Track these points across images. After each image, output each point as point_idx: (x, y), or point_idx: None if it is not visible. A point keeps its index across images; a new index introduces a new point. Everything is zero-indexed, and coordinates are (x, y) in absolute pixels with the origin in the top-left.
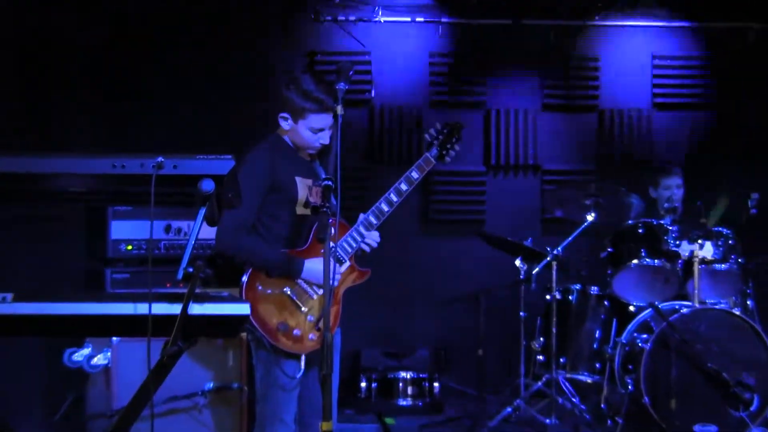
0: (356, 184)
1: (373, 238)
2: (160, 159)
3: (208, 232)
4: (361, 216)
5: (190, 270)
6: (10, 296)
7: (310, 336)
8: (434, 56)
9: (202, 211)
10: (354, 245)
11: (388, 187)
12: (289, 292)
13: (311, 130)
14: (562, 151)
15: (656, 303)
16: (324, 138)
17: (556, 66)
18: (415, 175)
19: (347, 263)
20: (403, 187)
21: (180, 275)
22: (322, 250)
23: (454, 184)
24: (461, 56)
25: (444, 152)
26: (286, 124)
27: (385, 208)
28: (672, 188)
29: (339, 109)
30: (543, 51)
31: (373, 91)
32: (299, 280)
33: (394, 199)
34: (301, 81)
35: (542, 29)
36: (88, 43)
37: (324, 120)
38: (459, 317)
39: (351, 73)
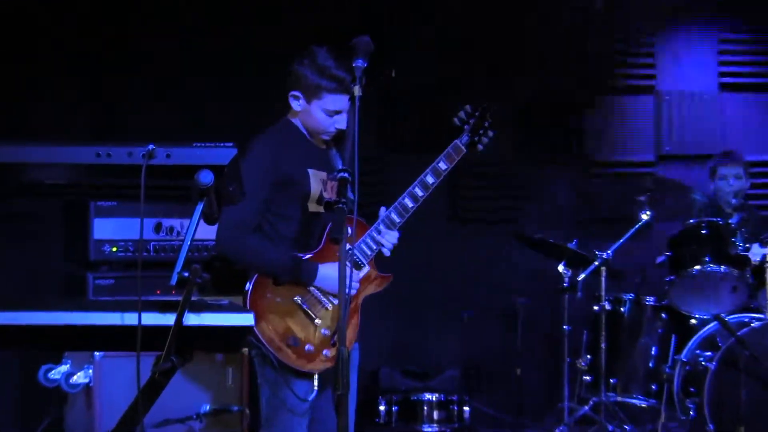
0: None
1: (390, 238)
2: (151, 147)
3: (206, 232)
4: (382, 213)
5: (186, 274)
6: None
7: (325, 352)
8: None
9: (200, 207)
10: (374, 247)
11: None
12: (300, 302)
13: (326, 112)
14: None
15: (722, 315)
16: (341, 122)
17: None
18: (443, 165)
19: (366, 268)
20: (430, 179)
21: (174, 280)
22: (338, 253)
23: (486, 177)
24: None
25: (476, 139)
26: (297, 105)
27: (409, 203)
28: (729, 178)
29: (356, 89)
30: None
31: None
32: (311, 288)
33: (420, 193)
34: (318, 55)
35: None
36: (73, 18)
37: (341, 101)
38: (493, 331)
39: (369, 49)
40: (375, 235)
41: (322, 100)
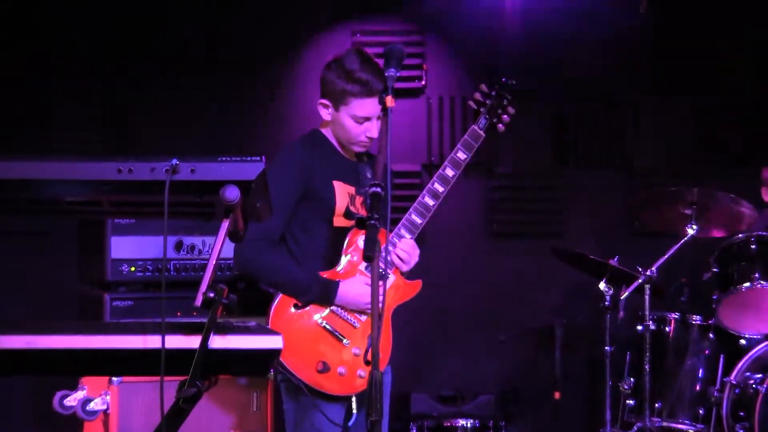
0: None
1: (404, 248)
2: (174, 162)
3: (230, 251)
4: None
5: (211, 295)
6: None
7: (359, 372)
8: None
9: (225, 225)
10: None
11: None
12: (325, 323)
13: (354, 118)
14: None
15: None
16: (371, 130)
17: None
18: (461, 155)
19: (392, 277)
20: (449, 172)
21: (199, 301)
22: (361, 266)
23: (523, 189)
24: None
25: (495, 120)
26: (326, 113)
27: (430, 202)
28: None
29: (389, 100)
30: None
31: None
32: (334, 308)
33: (440, 189)
34: (344, 59)
35: None
36: (88, 27)
37: (369, 106)
38: (530, 352)
39: (402, 57)
40: (397, 240)
41: (349, 106)
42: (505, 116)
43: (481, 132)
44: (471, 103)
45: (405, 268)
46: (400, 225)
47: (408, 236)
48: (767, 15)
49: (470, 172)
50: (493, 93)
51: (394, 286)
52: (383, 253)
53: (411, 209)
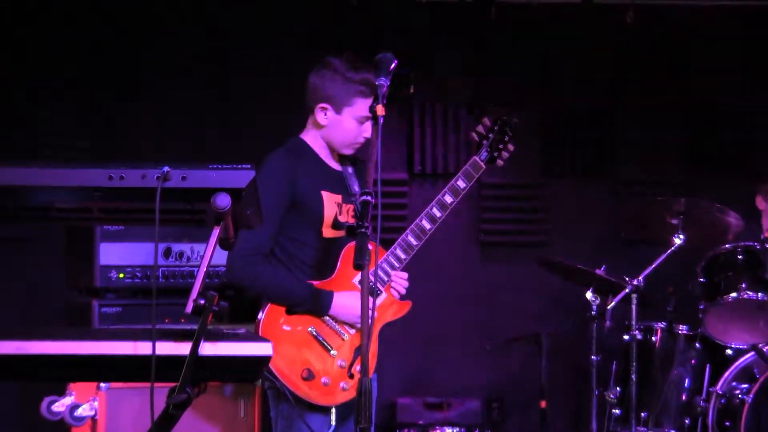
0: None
1: (399, 281)
2: (166, 169)
3: (220, 258)
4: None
5: (202, 302)
6: None
7: (341, 384)
8: None
9: (216, 232)
10: (391, 272)
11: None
12: (314, 333)
13: (358, 119)
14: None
15: (759, 345)
16: (367, 130)
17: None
18: (461, 184)
19: (383, 294)
20: (448, 199)
21: (189, 308)
22: (354, 280)
23: (510, 199)
24: None
25: (495, 154)
26: (324, 118)
27: (426, 225)
28: None
29: (379, 108)
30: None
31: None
32: (326, 318)
33: (438, 214)
34: (339, 64)
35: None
36: (75, 32)
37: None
38: (516, 361)
39: (392, 66)
40: (393, 260)
41: (354, 107)
42: (505, 153)
43: (482, 164)
44: (473, 134)
45: (398, 297)
46: (396, 245)
47: (403, 256)
48: (756, 21)
49: None
50: (496, 128)
51: (386, 304)
52: (379, 273)
53: (408, 230)
